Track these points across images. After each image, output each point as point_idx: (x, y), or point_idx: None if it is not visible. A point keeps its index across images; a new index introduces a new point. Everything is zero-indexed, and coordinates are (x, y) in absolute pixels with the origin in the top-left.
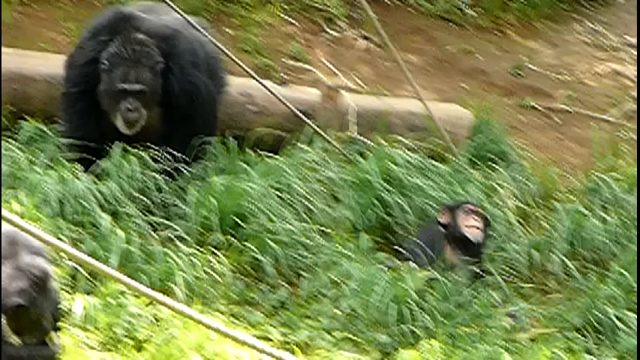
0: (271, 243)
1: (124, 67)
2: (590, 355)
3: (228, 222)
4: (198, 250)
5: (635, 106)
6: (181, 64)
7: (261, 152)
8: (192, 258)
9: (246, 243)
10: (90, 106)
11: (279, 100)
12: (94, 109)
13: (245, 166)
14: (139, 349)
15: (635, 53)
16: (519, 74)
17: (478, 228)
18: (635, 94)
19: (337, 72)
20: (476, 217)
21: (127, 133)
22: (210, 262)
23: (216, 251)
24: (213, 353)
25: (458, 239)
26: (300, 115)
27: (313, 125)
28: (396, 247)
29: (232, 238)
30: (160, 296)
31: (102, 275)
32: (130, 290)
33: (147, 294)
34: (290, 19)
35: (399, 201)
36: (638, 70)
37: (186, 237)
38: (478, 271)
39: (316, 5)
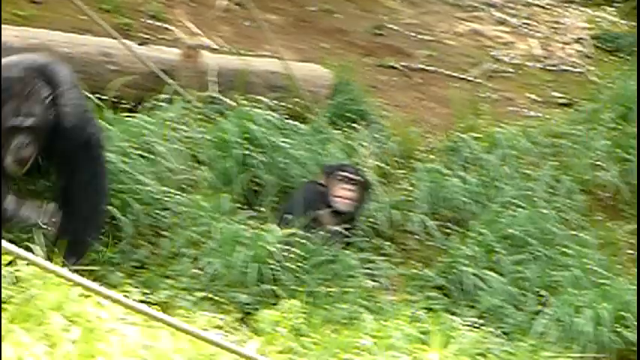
0: (131, 202)
1: None
2: (451, 314)
3: None
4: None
5: (495, 65)
6: None
7: (120, 111)
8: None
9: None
10: None
11: (139, 59)
12: None
13: (104, 124)
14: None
15: (496, 13)
16: (379, 34)
17: (349, 198)
18: (495, 53)
19: (197, 31)
20: (347, 186)
21: None
22: None
23: None
24: (74, 313)
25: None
26: (161, 73)
27: (173, 84)
28: (256, 206)
29: None
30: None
31: None
32: None
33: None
34: None
35: (260, 160)
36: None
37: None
38: (343, 231)
39: None
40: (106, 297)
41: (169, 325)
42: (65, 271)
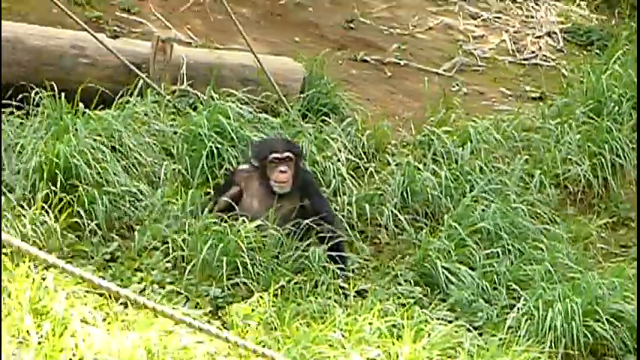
0: (102, 197)
1: None
2: (422, 308)
3: (57, 177)
4: (27, 205)
5: (466, 59)
6: None
7: (91, 106)
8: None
9: (76, 197)
10: None
11: (111, 52)
12: None
13: (75, 119)
14: None
15: (468, 7)
16: (351, 27)
17: (284, 180)
18: (466, 47)
19: (169, 25)
20: (280, 168)
21: None
22: (41, 215)
23: (45, 206)
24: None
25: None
26: (132, 67)
27: (145, 78)
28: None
29: (63, 194)
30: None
31: None
32: None
33: None
34: None
35: (231, 154)
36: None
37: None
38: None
39: None
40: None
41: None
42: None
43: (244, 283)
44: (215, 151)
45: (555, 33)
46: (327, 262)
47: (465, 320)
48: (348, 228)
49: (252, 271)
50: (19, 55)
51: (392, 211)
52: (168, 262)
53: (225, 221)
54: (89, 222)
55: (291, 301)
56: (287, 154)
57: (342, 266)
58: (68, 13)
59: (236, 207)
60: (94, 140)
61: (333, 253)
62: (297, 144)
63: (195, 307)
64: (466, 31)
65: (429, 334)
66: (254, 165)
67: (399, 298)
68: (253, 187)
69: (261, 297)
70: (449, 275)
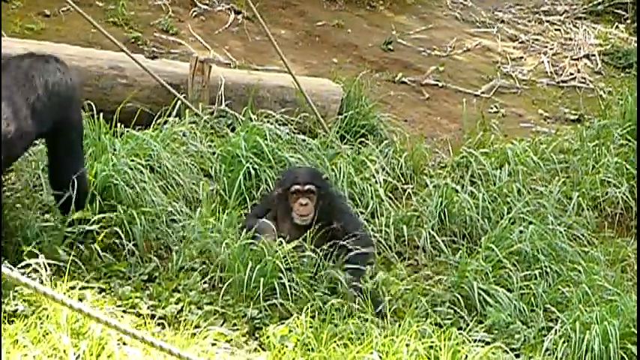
0: (140, 217)
1: None
2: (459, 329)
3: (96, 197)
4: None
5: (505, 81)
6: None
7: (130, 126)
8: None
9: (114, 217)
10: None
11: (150, 73)
12: None
13: (114, 139)
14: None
15: (506, 29)
16: (390, 49)
17: (305, 213)
18: (504, 69)
19: (208, 46)
20: (301, 200)
21: None
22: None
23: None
24: (81, 330)
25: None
26: (170, 88)
27: (183, 98)
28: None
29: (101, 214)
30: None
31: None
32: None
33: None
34: None
35: (269, 175)
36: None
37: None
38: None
39: None
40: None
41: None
42: (63, 297)
43: (281, 304)
44: (253, 171)
45: (594, 55)
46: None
47: (503, 342)
48: (386, 249)
49: (289, 292)
50: None
51: (429, 233)
52: (205, 282)
53: (262, 242)
54: (127, 242)
55: (328, 323)
56: (308, 186)
57: (353, 277)
58: (106, 34)
59: (274, 229)
60: (132, 160)
61: (350, 266)
62: (322, 174)
63: (233, 328)
64: (504, 53)
65: (466, 356)
66: (279, 193)
67: (436, 319)
68: (285, 212)
69: (297, 318)
70: (486, 297)
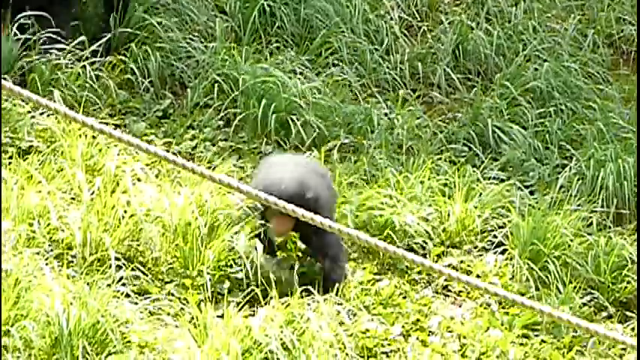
0: (155, 53)
1: None
2: (474, 166)
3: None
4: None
5: None
6: None
7: None
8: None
9: (129, 54)
10: None
11: None
12: None
13: None
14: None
15: None
16: None
17: (282, 232)
18: None
19: None
20: (280, 219)
21: None
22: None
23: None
24: (96, 166)
25: None
26: None
27: None
28: (280, 57)
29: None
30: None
31: None
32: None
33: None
34: None
35: (283, 12)
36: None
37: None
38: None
39: None
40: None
41: (192, 171)
42: (88, 119)
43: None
44: (267, 9)
45: None
46: None
47: (517, 179)
48: (401, 86)
49: (301, 128)
50: None
51: (444, 70)
52: (220, 119)
53: None
54: (142, 79)
55: (342, 159)
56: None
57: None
58: None
59: None
60: None
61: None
62: (306, 185)
63: (247, 164)
64: None
65: (481, 193)
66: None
67: (450, 156)
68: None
69: (312, 152)
70: (501, 134)
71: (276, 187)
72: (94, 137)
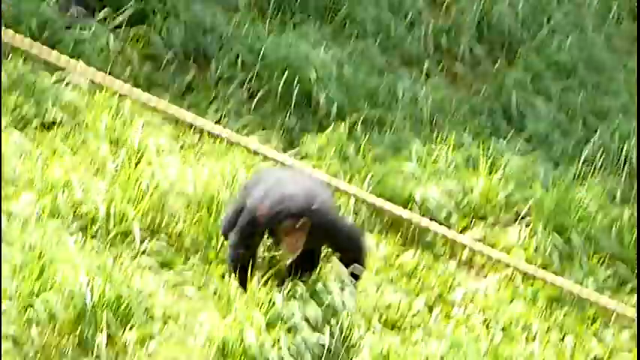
0: (177, 25)
1: None
2: (497, 139)
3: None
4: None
5: None
6: None
7: None
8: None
9: (153, 26)
10: None
11: None
12: None
13: None
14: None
15: None
16: None
17: (295, 247)
18: None
19: None
20: (293, 234)
21: None
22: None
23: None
24: (120, 138)
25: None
26: None
27: None
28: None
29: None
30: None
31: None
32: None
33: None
34: None
35: None
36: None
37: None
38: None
39: None
40: (155, 109)
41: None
42: (118, 83)
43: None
44: None
45: None
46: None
47: (541, 152)
48: (425, 59)
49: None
50: None
51: (468, 43)
52: (244, 91)
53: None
54: (166, 51)
55: (366, 133)
56: (303, 220)
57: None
58: None
59: None
60: None
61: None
62: (317, 197)
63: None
64: None
65: (505, 166)
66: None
67: (474, 129)
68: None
69: (336, 129)
70: (525, 107)
71: (289, 203)
72: (117, 111)
